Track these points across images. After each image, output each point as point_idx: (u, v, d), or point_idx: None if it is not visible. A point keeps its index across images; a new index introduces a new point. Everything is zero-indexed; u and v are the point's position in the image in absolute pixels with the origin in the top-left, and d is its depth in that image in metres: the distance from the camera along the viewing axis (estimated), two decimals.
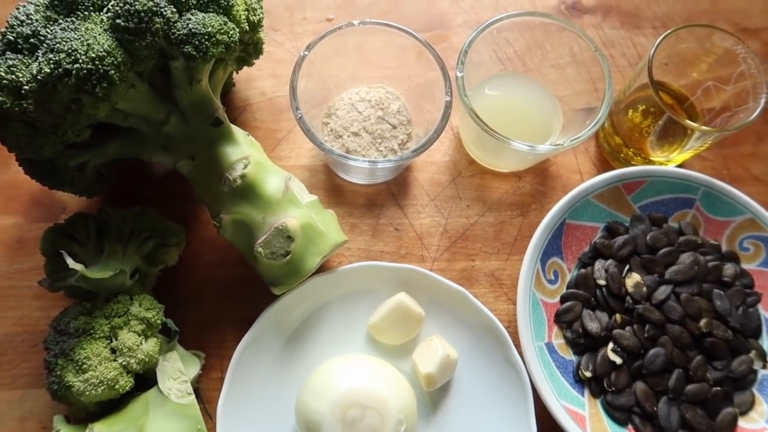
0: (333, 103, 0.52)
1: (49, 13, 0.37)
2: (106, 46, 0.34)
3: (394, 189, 0.53)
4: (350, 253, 0.51)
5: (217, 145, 0.43)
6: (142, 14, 0.34)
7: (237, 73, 0.53)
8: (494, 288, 0.51)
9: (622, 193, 0.50)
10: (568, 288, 0.49)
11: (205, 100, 0.42)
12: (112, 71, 0.35)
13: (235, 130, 0.44)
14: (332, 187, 0.53)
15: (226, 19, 0.37)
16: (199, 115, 0.42)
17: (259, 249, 0.42)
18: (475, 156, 0.54)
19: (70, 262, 0.39)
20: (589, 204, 0.50)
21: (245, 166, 0.43)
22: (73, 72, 0.34)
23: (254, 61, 0.50)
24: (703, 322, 0.45)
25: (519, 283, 0.46)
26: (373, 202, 0.52)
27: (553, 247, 0.48)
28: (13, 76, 0.36)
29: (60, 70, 0.34)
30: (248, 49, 0.47)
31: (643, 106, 0.52)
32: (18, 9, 0.39)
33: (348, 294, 0.48)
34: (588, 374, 0.46)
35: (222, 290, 0.49)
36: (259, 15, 0.40)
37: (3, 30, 0.38)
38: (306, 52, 0.46)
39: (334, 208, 0.51)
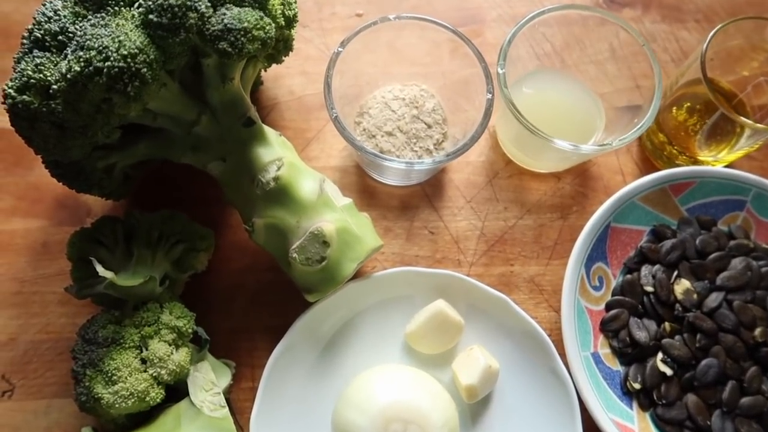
0: (365, 102, 0.50)
1: (77, 9, 0.35)
2: (138, 42, 0.33)
3: (429, 191, 0.51)
4: (384, 257, 0.49)
5: (249, 146, 0.41)
6: (176, 9, 0.33)
7: (265, 70, 0.51)
8: (534, 294, 0.48)
9: (669, 195, 0.48)
10: (613, 295, 0.47)
11: (236, 99, 0.41)
12: (145, 69, 0.33)
13: (267, 130, 0.43)
14: (364, 189, 0.51)
15: (262, 14, 0.35)
16: (231, 115, 0.41)
17: (294, 255, 0.40)
18: (512, 156, 0.52)
19: (100, 270, 0.38)
20: (635, 206, 0.47)
21: (278, 168, 0.41)
22: (105, 70, 0.32)
23: (283, 58, 0.48)
24: (758, 331, 0.43)
25: (563, 289, 0.44)
26: (407, 205, 0.50)
27: (597, 251, 0.46)
28: (41, 75, 0.34)
29: (91, 68, 0.32)
30: (278, 45, 0.45)
31: (689, 104, 0.50)
32: (45, 5, 0.37)
33: (383, 301, 0.46)
34: (637, 386, 0.43)
35: (252, 296, 0.47)
36: (293, 9, 0.38)
37: (30, 27, 0.37)
38: (340, 49, 0.44)
39: (366, 211, 0.49)
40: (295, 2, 0.39)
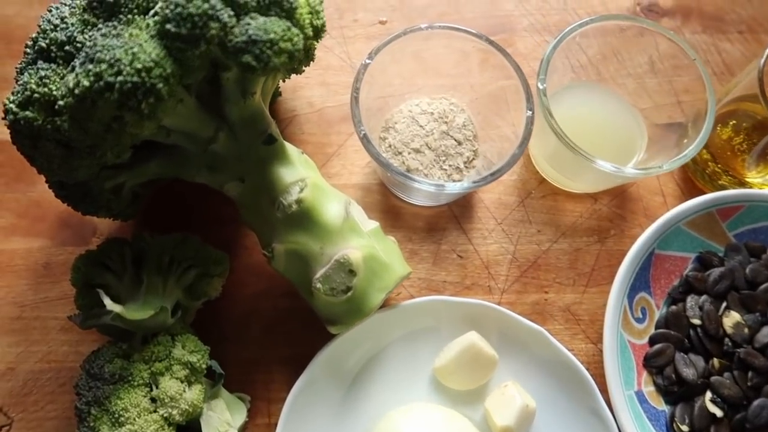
0: (391, 116, 0.47)
1: (86, 17, 0.32)
2: (153, 55, 0.29)
3: (457, 211, 0.48)
4: (410, 283, 0.46)
5: (270, 165, 0.38)
6: (196, 18, 0.29)
7: (284, 81, 0.48)
8: (570, 324, 0.45)
9: (717, 219, 0.45)
10: (657, 327, 0.43)
11: (257, 114, 0.37)
12: (161, 84, 0.30)
13: (289, 147, 0.39)
14: (389, 209, 0.47)
15: (290, 24, 0.32)
16: (251, 132, 0.37)
17: (318, 285, 0.37)
18: (547, 175, 0.49)
19: (108, 303, 0.34)
20: (680, 232, 0.44)
21: (301, 190, 0.38)
22: (116, 86, 0.29)
23: (304, 68, 0.45)
24: None
25: (605, 322, 0.41)
26: (433, 226, 0.47)
27: (640, 280, 0.43)
28: (46, 89, 0.31)
29: (101, 83, 0.29)
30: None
31: (735, 121, 0.47)
32: (50, 11, 0.34)
33: (410, 332, 0.42)
34: (684, 428, 0.40)
35: (269, 324, 0.44)
36: (321, 19, 0.35)
37: (34, 35, 0.33)
38: (369, 60, 0.41)
39: (391, 233, 0.46)
40: (323, 10, 0.35)
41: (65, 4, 0.34)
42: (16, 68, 0.35)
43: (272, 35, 0.31)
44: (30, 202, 0.46)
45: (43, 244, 0.45)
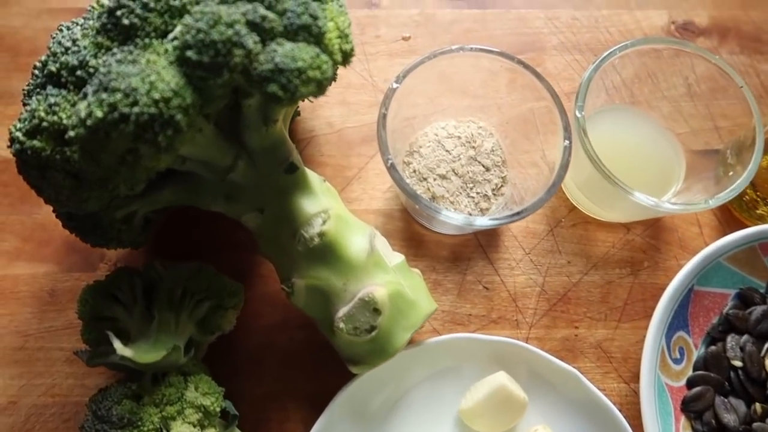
0: (416, 139, 0.45)
1: (100, 39, 0.30)
2: (172, 84, 0.27)
3: (483, 240, 0.45)
4: (433, 316, 0.43)
5: (291, 195, 0.36)
6: (219, 45, 0.27)
7: (303, 101, 0.46)
8: (602, 362, 0.43)
9: (759, 254, 0.42)
10: (695, 369, 0.41)
11: (278, 141, 0.35)
12: (179, 116, 0.27)
13: (311, 176, 0.37)
14: (411, 236, 0.45)
15: (319, 50, 0.29)
16: (271, 160, 0.35)
17: (341, 324, 0.35)
18: (578, 202, 0.46)
19: (118, 347, 0.32)
20: (720, 267, 0.42)
21: (324, 222, 0.35)
22: (132, 117, 0.26)
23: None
24: None
25: (642, 365, 0.38)
26: (458, 255, 0.45)
27: (679, 319, 0.41)
28: (56, 118, 0.29)
29: (115, 114, 0.26)
30: None
31: None
32: (61, 31, 0.32)
33: (435, 371, 0.40)
34: None
35: (284, 358, 0.42)
36: (350, 43, 0.32)
37: (44, 58, 0.31)
38: (396, 84, 0.39)
39: (413, 262, 0.44)
40: (351, 34, 0.33)
41: (77, 24, 0.32)
42: (24, 90, 0.33)
43: (300, 63, 0.28)
44: (35, 225, 0.44)
45: (49, 270, 0.43)
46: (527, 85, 0.42)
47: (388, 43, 0.51)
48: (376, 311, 0.35)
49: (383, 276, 0.36)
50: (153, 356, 0.33)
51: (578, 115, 0.39)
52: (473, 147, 0.44)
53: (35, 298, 0.43)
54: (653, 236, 0.46)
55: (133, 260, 0.43)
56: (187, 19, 0.28)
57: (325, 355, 0.40)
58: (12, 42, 0.49)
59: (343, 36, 0.32)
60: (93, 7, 0.32)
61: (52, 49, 0.30)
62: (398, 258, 0.38)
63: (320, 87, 0.29)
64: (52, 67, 0.30)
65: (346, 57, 0.32)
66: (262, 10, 0.28)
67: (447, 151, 0.43)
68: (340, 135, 0.48)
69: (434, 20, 0.51)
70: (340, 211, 0.37)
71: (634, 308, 0.44)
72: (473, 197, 0.43)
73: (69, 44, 0.30)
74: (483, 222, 0.37)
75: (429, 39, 0.51)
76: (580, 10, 0.52)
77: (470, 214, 0.43)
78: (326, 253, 0.35)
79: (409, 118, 0.44)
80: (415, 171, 0.43)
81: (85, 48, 0.30)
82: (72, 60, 0.30)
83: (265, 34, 0.29)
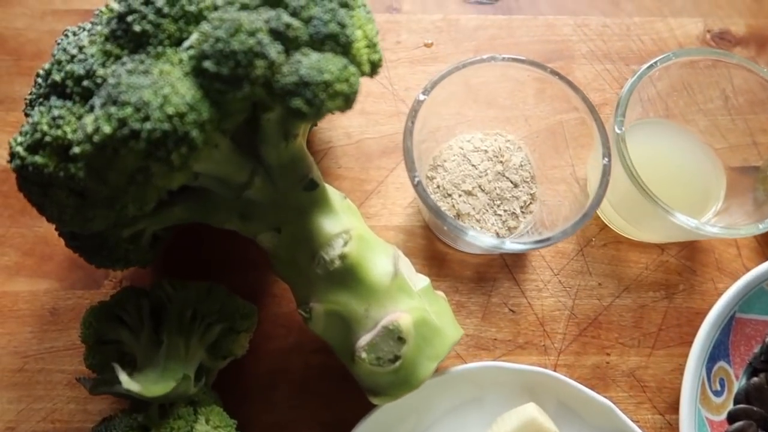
0: (440, 153, 0.42)
1: (109, 47, 0.27)
2: (188, 98, 0.25)
3: (509, 260, 0.43)
4: None
5: (310, 214, 0.33)
6: (240, 57, 0.25)
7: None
8: (635, 392, 0.40)
9: None
10: (736, 402, 0.39)
11: (298, 157, 0.33)
12: (195, 132, 0.25)
13: (331, 192, 0.35)
14: (433, 255, 0.43)
15: (346, 62, 0.27)
16: (290, 177, 0.33)
17: (362, 354, 0.32)
18: (610, 221, 0.44)
19: (125, 381, 0.30)
20: (762, 293, 0.39)
21: (345, 243, 0.33)
22: (143, 134, 0.24)
23: None
24: None
25: (682, 397, 0.36)
26: (483, 276, 0.42)
27: (720, 348, 0.38)
28: (59, 132, 0.27)
29: (125, 130, 0.24)
30: None
31: None
32: (67, 36, 0.30)
33: (460, 401, 0.38)
34: None
35: (299, 383, 0.39)
36: (378, 53, 0.30)
37: (48, 66, 0.29)
38: (424, 96, 0.36)
39: (435, 282, 0.42)
40: (378, 43, 0.31)
41: (84, 29, 0.30)
42: (26, 100, 0.31)
43: (327, 76, 0.26)
44: (37, 239, 0.42)
45: (51, 287, 0.41)
46: (557, 96, 0.39)
47: (410, 49, 0.48)
48: (401, 340, 0.33)
49: (408, 301, 0.33)
50: (161, 388, 0.31)
51: (618, 130, 0.36)
52: (501, 161, 0.41)
53: (36, 316, 0.40)
54: (689, 257, 0.43)
55: (140, 278, 0.41)
56: (205, 26, 0.26)
57: (342, 381, 0.38)
58: (14, 44, 0.47)
59: (372, 45, 0.30)
60: (101, 12, 0.30)
61: (57, 57, 0.28)
62: (423, 281, 0.36)
63: (348, 101, 0.27)
64: (57, 77, 0.28)
65: (374, 68, 0.30)
66: (286, 18, 0.26)
67: (473, 165, 0.41)
68: (359, 146, 0.45)
69: (457, 26, 0.49)
70: (362, 231, 0.34)
71: (669, 334, 0.42)
72: (500, 215, 0.40)
73: (75, 51, 0.28)
74: (512, 247, 0.35)
75: (452, 46, 0.48)
76: (611, 17, 0.50)
77: (497, 234, 0.40)
78: (347, 276, 0.33)
79: (433, 130, 0.42)
80: (439, 186, 0.41)
81: (92, 56, 0.27)
82: (78, 69, 0.27)
83: (289, 43, 0.26)
